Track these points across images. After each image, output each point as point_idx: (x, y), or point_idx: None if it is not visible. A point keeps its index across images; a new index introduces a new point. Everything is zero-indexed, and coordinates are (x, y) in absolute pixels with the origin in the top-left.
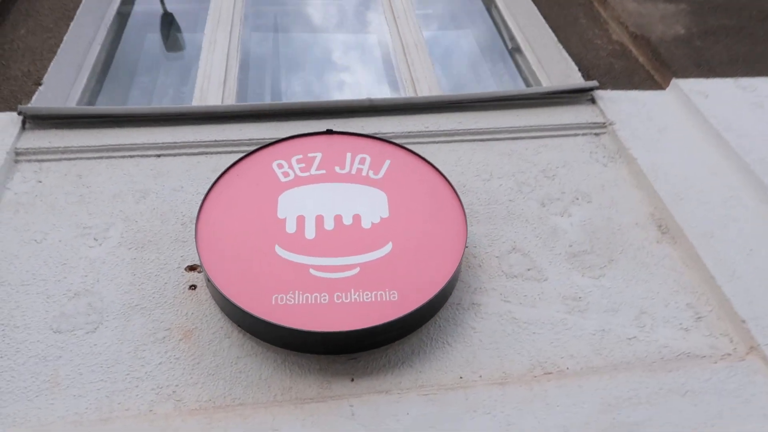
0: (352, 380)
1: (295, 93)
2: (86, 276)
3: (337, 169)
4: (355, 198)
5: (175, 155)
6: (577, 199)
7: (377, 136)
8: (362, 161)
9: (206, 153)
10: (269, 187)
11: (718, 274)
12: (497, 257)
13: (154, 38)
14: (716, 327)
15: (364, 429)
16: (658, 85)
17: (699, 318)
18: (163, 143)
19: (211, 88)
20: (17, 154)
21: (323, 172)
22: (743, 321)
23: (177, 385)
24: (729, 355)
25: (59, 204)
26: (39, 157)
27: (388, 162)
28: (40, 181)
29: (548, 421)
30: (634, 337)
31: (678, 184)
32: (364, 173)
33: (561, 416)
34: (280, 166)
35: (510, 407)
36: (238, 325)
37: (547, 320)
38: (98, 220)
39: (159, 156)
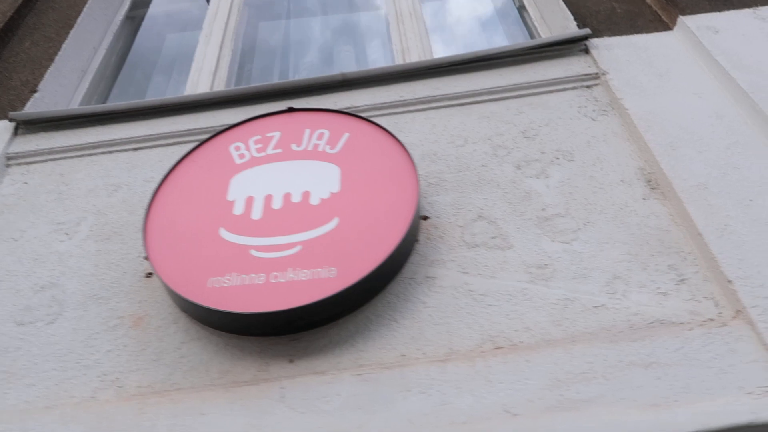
0: (291, 362)
1: (293, 77)
2: (53, 270)
3: (293, 146)
4: (307, 175)
5: (151, 147)
6: (558, 158)
7: (345, 110)
8: (320, 137)
9: (180, 143)
10: (223, 171)
11: (708, 229)
12: (460, 226)
13: (170, 39)
14: (700, 290)
15: (292, 411)
16: (665, 26)
17: (681, 281)
18: (139, 137)
19: (202, 78)
20: (8, 158)
21: (280, 150)
22: (729, 281)
23: (121, 372)
24: (711, 320)
25: (40, 202)
26: (27, 160)
27: (346, 135)
28: (26, 183)
29: (487, 399)
30: (602, 305)
31: (673, 133)
32: (320, 149)
33: (502, 394)
34: (237, 148)
35: (448, 385)
36: (182, 311)
37: (506, 291)
38: (72, 215)
39: (136, 149)
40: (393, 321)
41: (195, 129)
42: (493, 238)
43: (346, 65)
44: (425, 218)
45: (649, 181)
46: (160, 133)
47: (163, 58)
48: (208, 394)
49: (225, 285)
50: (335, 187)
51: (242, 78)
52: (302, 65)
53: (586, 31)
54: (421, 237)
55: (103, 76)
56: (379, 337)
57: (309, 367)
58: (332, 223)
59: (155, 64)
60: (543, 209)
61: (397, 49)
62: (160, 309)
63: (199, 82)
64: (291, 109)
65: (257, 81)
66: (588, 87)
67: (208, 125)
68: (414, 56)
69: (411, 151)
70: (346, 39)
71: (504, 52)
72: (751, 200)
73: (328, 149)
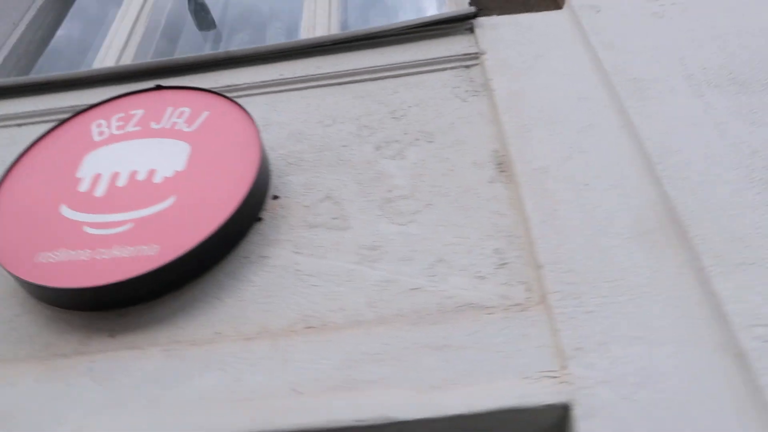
0: (112, 336)
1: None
2: None
3: (153, 124)
4: (158, 153)
5: (35, 123)
6: (418, 139)
7: (210, 88)
8: (180, 115)
9: (63, 119)
10: (79, 148)
11: (535, 213)
12: (306, 206)
13: (110, 14)
14: (518, 275)
15: (94, 384)
16: (556, 5)
17: (502, 265)
18: (24, 113)
19: (109, 54)
20: None
21: (139, 128)
22: (540, 266)
23: None
24: (518, 305)
25: None
26: None
27: (205, 114)
28: None
29: (278, 377)
30: (419, 287)
31: (531, 114)
32: (177, 127)
33: (295, 373)
34: (98, 125)
35: (245, 363)
36: (20, 285)
37: (332, 272)
38: None
39: (20, 125)
40: (217, 299)
41: (79, 106)
42: (334, 218)
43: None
44: (276, 198)
45: (500, 164)
46: (44, 110)
47: (98, 33)
48: (25, 366)
49: (52, 260)
50: (181, 166)
51: (164, 55)
52: (234, 41)
53: (472, 9)
54: (267, 216)
55: (25, 52)
56: (200, 315)
57: (126, 342)
58: (168, 202)
59: (89, 39)
60: (390, 190)
61: (304, 26)
62: (4, 284)
63: (106, 58)
64: (159, 87)
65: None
66: (467, 67)
67: (92, 102)
68: (319, 32)
69: (280, 131)
70: (278, 15)
71: (388, 31)
72: (586, 185)
73: (185, 127)
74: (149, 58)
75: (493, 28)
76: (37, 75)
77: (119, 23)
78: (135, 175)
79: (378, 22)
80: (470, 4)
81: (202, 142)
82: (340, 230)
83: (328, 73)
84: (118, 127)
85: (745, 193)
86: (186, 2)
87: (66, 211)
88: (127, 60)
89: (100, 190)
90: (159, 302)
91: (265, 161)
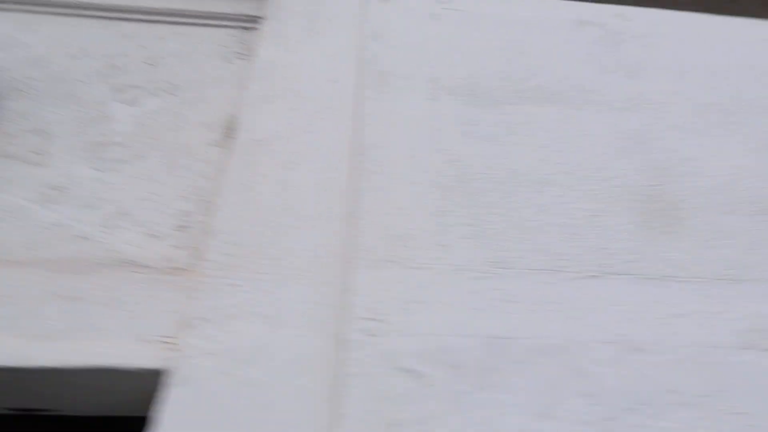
0: None
1: None
2: None
3: None
4: None
5: None
6: (163, 90)
7: None
8: None
9: None
10: None
11: (233, 183)
12: (9, 135)
13: None
14: (192, 240)
15: None
16: None
17: (182, 228)
18: None
19: None
20: None
21: None
22: (212, 234)
23: None
24: (176, 269)
25: None
26: None
27: None
28: None
29: None
30: (88, 237)
31: (279, 87)
32: None
33: None
34: None
35: None
36: None
37: (6, 207)
38: None
39: None
40: None
41: None
42: (33, 152)
43: None
44: None
45: (228, 130)
46: None
47: None
48: None
49: None
50: None
51: None
52: None
53: None
54: None
55: None
56: None
57: None
58: None
59: None
60: (106, 135)
61: None
62: None
63: None
64: None
65: None
66: (245, 29)
67: None
68: None
69: (22, 53)
70: None
71: None
72: (295, 163)
73: None
74: None
75: None
76: None
77: None
78: None
79: None
80: None
81: None
82: (33, 165)
83: (101, 4)
84: None
85: (425, 197)
86: None
87: None
88: None
89: None
90: None
91: None
